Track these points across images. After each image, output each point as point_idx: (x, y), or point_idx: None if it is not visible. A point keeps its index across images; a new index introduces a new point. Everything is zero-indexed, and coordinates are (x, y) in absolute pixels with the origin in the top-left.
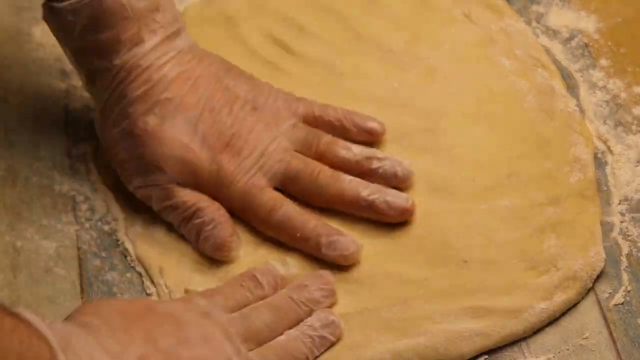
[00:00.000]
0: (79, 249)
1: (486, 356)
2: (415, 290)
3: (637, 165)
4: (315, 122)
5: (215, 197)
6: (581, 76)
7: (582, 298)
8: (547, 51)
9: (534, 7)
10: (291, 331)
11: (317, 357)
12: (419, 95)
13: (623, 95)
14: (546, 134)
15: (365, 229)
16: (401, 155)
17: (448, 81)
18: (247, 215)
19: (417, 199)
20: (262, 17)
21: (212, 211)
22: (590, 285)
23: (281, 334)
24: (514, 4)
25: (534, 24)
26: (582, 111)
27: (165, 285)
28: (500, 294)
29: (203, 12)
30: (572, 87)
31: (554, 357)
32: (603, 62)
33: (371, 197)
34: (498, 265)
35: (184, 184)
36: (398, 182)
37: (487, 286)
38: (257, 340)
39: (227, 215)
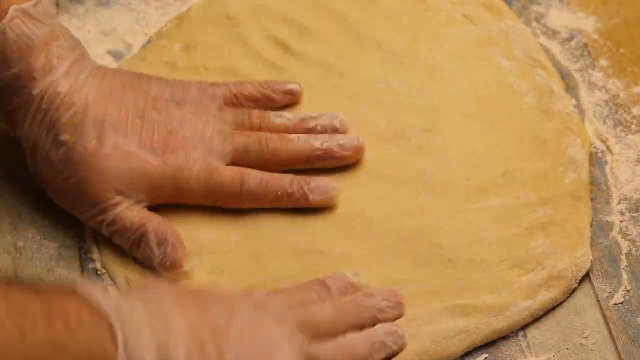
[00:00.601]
0: (80, 248)
1: (486, 355)
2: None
3: (637, 165)
4: (236, 100)
5: (176, 197)
6: (581, 76)
7: (566, 297)
8: (547, 51)
9: (534, 8)
10: (353, 333)
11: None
12: (417, 95)
13: (622, 95)
14: (543, 135)
15: (355, 228)
16: (399, 156)
17: (447, 81)
18: (217, 200)
19: (411, 198)
20: (264, 17)
21: (159, 231)
22: (575, 285)
23: (342, 333)
24: (513, 5)
25: (533, 24)
26: (581, 111)
27: None
28: (484, 291)
29: (205, 13)
30: (571, 87)
31: (554, 356)
32: (602, 62)
33: (325, 145)
34: (483, 264)
35: (138, 198)
36: (337, 133)
37: (471, 284)
38: (314, 332)
39: (173, 231)
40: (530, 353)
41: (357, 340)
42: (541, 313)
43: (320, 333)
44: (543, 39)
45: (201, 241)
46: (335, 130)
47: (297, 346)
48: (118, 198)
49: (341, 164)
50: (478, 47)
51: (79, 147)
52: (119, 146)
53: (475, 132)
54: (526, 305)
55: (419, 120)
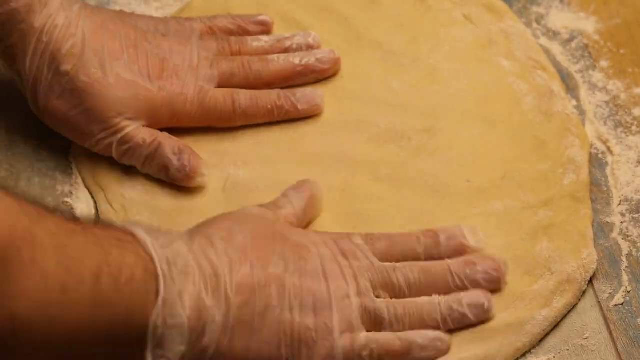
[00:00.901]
0: None
1: None
2: None
3: (637, 166)
4: (212, 32)
5: (173, 121)
6: (581, 77)
7: (579, 300)
8: (547, 52)
9: (534, 9)
10: (435, 296)
11: (451, 331)
12: (418, 95)
13: (623, 96)
14: (542, 136)
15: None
16: (399, 156)
17: (447, 82)
18: (212, 120)
19: (413, 200)
20: None
21: (173, 143)
22: (585, 287)
23: (426, 295)
24: (513, 5)
25: (534, 25)
26: (582, 112)
27: None
28: (499, 308)
29: (206, 10)
30: (572, 88)
31: (554, 357)
32: (603, 63)
33: (304, 61)
34: None
35: (142, 123)
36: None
37: None
38: (392, 292)
39: (184, 143)
40: (531, 354)
41: (434, 305)
42: (559, 320)
43: (398, 294)
44: (543, 40)
45: None
46: (310, 47)
47: (363, 302)
48: (125, 121)
49: (322, 77)
50: (478, 48)
51: (82, 76)
52: (121, 75)
53: (475, 132)
54: (544, 316)
55: (418, 121)
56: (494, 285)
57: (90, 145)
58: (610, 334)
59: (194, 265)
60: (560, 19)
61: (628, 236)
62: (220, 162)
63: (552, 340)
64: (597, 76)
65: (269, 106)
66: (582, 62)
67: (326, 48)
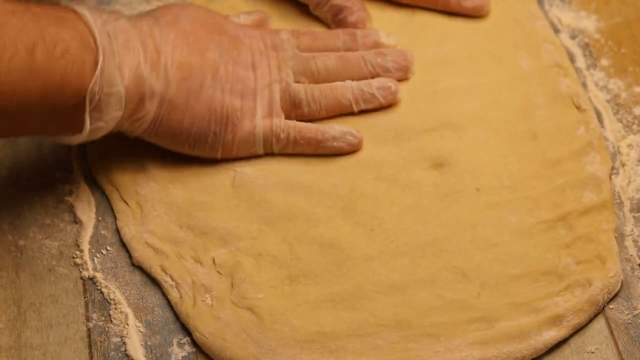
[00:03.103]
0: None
1: None
2: (415, 317)
3: (638, 165)
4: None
5: None
6: (582, 76)
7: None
8: None
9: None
10: (347, 81)
11: (362, 110)
12: (419, 95)
13: (624, 95)
14: (553, 152)
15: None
16: (400, 156)
17: (452, 81)
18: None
19: (422, 204)
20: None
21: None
22: (602, 309)
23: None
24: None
25: None
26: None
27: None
28: (508, 318)
29: (208, 5)
30: None
31: (554, 356)
32: (604, 62)
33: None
34: (506, 288)
35: None
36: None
37: (491, 310)
38: (312, 78)
39: None
40: None
41: (348, 87)
42: (566, 338)
43: (317, 79)
44: None
45: (223, 229)
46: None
47: (284, 87)
48: None
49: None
50: (490, 44)
51: None
52: None
53: (479, 137)
54: (552, 335)
55: (419, 121)
56: (402, 73)
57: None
58: (611, 332)
59: (136, 41)
60: (561, 18)
61: (630, 234)
62: (224, 159)
63: None
64: (597, 75)
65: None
66: (583, 61)
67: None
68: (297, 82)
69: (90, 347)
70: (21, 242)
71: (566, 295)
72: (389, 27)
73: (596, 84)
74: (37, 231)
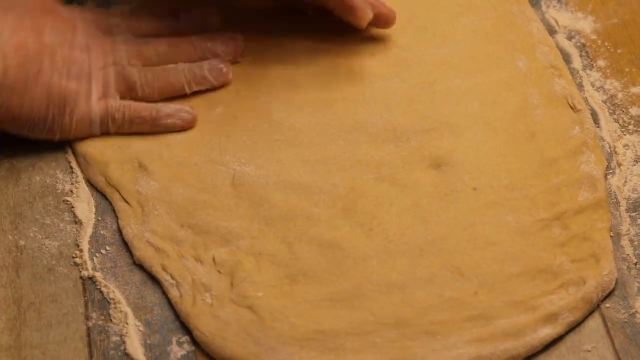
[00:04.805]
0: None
1: None
2: (414, 316)
3: (635, 165)
4: None
5: None
6: (579, 77)
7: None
8: None
9: (532, 9)
10: (179, 64)
11: (194, 92)
12: (418, 95)
13: (620, 95)
14: (550, 152)
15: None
16: (399, 155)
17: (451, 81)
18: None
19: (421, 204)
20: None
21: None
22: (597, 307)
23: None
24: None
25: None
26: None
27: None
28: (504, 316)
29: None
30: None
31: (550, 354)
32: (600, 62)
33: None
34: (504, 286)
35: None
36: None
37: (488, 308)
38: (144, 61)
39: None
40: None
41: (180, 71)
42: (562, 335)
43: (149, 63)
44: None
45: (224, 228)
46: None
47: (118, 70)
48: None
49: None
50: (488, 45)
51: None
52: None
53: (478, 137)
54: (547, 332)
55: (418, 122)
56: (232, 55)
57: None
58: (608, 331)
59: None
60: (558, 19)
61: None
62: (223, 159)
63: None
64: (594, 75)
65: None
66: (579, 62)
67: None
68: (131, 65)
69: (89, 346)
70: (21, 242)
71: (561, 293)
72: (388, 29)
73: (592, 85)
74: (37, 231)
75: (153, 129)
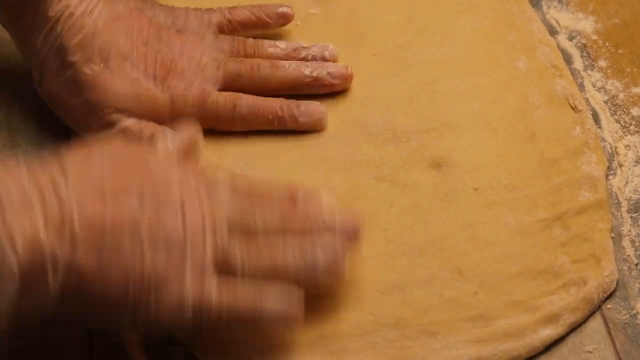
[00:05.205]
0: None
1: None
2: (414, 316)
3: (636, 165)
4: (231, 26)
5: (174, 121)
6: (580, 77)
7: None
8: None
9: (533, 9)
10: (289, 245)
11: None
12: (418, 95)
13: (621, 95)
14: (551, 152)
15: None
16: (399, 155)
17: (451, 81)
18: (211, 123)
19: (420, 204)
20: None
21: (170, 132)
22: (598, 308)
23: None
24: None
25: None
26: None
27: None
28: (505, 316)
29: None
30: None
31: (551, 355)
32: (601, 63)
33: (315, 73)
34: (504, 286)
35: (140, 119)
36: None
37: (488, 308)
38: (247, 232)
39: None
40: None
41: (289, 255)
42: (563, 336)
43: (254, 235)
44: None
45: None
46: (325, 60)
47: (217, 241)
48: (124, 117)
49: (330, 91)
50: (488, 45)
51: (86, 68)
52: (125, 71)
53: (477, 137)
54: (548, 333)
55: (418, 122)
56: (352, 242)
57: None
58: (609, 332)
59: (35, 197)
60: (559, 19)
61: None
62: (222, 162)
63: None
64: (595, 76)
65: (270, 116)
66: (580, 62)
67: (341, 63)
68: (232, 235)
69: (90, 346)
70: None
71: (561, 293)
72: (388, 28)
73: (594, 85)
74: None
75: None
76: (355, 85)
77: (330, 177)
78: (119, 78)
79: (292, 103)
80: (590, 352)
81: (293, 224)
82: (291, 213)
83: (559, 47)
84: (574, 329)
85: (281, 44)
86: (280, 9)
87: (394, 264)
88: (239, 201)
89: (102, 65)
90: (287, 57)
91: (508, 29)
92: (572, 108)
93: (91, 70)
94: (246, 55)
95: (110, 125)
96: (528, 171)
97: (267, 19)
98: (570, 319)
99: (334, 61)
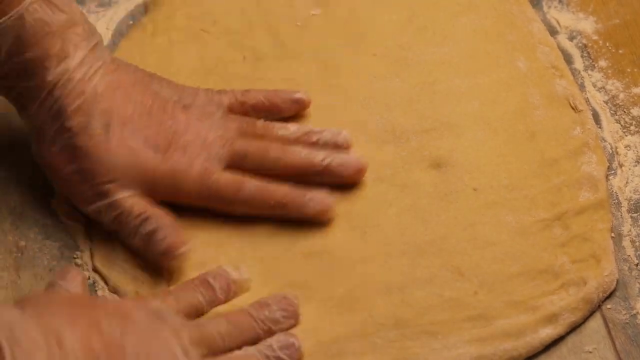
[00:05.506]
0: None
1: None
2: (414, 316)
3: (636, 165)
4: (242, 108)
5: (172, 196)
6: (580, 77)
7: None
8: None
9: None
10: (249, 347)
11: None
12: (418, 95)
13: (622, 96)
14: (551, 152)
15: (367, 233)
16: (399, 156)
17: (451, 81)
18: (211, 203)
19: (420, 204)
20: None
21: (161, 217)
22: (598, 308)
23: (237, 348)
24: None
25: None
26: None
27: None
28: (504, 316)
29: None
30: None
31: (551, 355)
32: (602, 63)
33: (326, 161)
34: (504, 286)
35: (136, 191)
36: (340, 150)
37: (488, 308)
38: (209, 347)
39: (174, 220)
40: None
41: (253, 357)
42: (562, 335)
43: (215, 349)
44: None
45: (204, 238)
46: (337, 147)
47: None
48: (118, 188)
49: (340, 183)
50: (488, 45)
51: (84, 135)
52: (124, 140)
53: (477, 137)
54: (548, 333)
55: (418, 122)
56: (293, 320)
57: (83, 206)
58: (609, 332)
59: (35, 330)
60: (560, 19)
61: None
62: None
63: None
64: (595, 76)
65: (273, 202)
66: (581, 62)
67: (354, 153)
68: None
69: None
70: (22, 243)
71: (561, 293)
72: (388, 28)
73: (594, 85)
74: (38, 232)
75: None
76: (355, 85)
77: None
78: (116, 147)
79: (300, 191)
80: (590, 352)
81: (245, 332)
82: (237, 318)
83: (559, 47)
84: (573, 328)
85: (292, 127)
86: (296, 95)
87: (394, 264)
88: (189, 320)
89: (100, 132)
90: (297, 141)
91: (508, 29)
92: (573, 108)
93: (88, 137)
94: (255, 136)
95: (103, 196)
96: (528, 171)
97: (281, 105)
98: (570, 318)
99: (348, 147)
